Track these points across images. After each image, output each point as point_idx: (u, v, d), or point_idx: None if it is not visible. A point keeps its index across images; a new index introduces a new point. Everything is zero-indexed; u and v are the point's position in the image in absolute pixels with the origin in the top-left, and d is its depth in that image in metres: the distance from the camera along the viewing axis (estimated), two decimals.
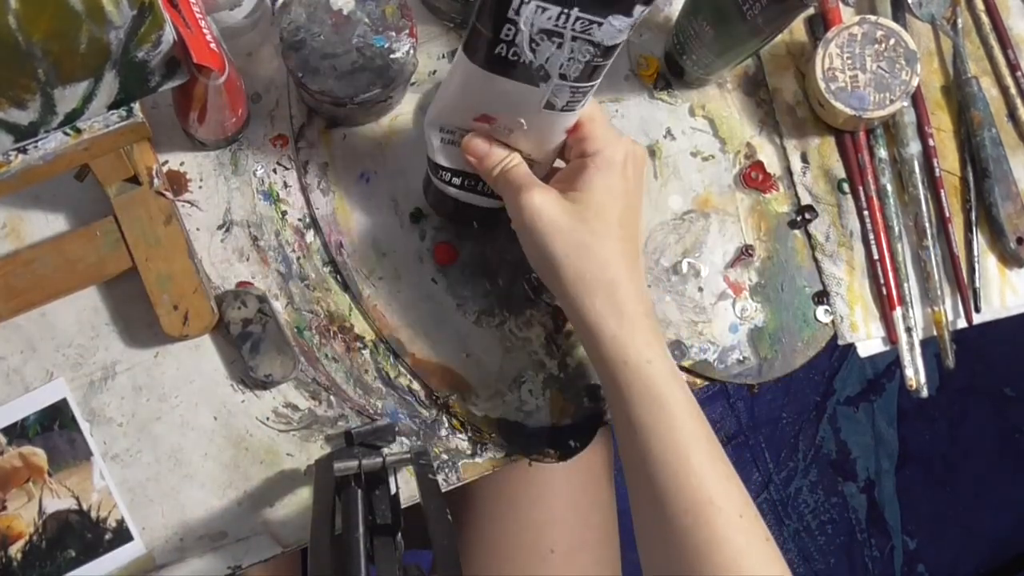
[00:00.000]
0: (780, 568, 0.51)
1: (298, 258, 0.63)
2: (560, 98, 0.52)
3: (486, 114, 0.54)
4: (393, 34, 0.59)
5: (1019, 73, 0.68)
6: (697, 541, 0.50)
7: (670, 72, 0.66)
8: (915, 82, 0.63)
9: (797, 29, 0.68)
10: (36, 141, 0.52)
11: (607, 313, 0.53)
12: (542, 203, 0.53)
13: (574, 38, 0.48)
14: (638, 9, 0.47)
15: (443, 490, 0.60)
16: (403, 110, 0.65)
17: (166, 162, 0.63)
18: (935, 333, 0.66)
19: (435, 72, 0.65)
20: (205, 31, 0.52)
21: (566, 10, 0.47)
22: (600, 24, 0.47)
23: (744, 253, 0.65)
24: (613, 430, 0.55)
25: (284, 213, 0.63)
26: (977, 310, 0.66)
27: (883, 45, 0.64)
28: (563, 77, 0.50)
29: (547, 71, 0.50)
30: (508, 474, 0.74)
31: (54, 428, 0.61)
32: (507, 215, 0.56)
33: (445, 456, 0.63)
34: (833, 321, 0.66)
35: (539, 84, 0.50)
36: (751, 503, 0.53)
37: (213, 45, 0.52)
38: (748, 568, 0.50)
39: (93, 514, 0.60)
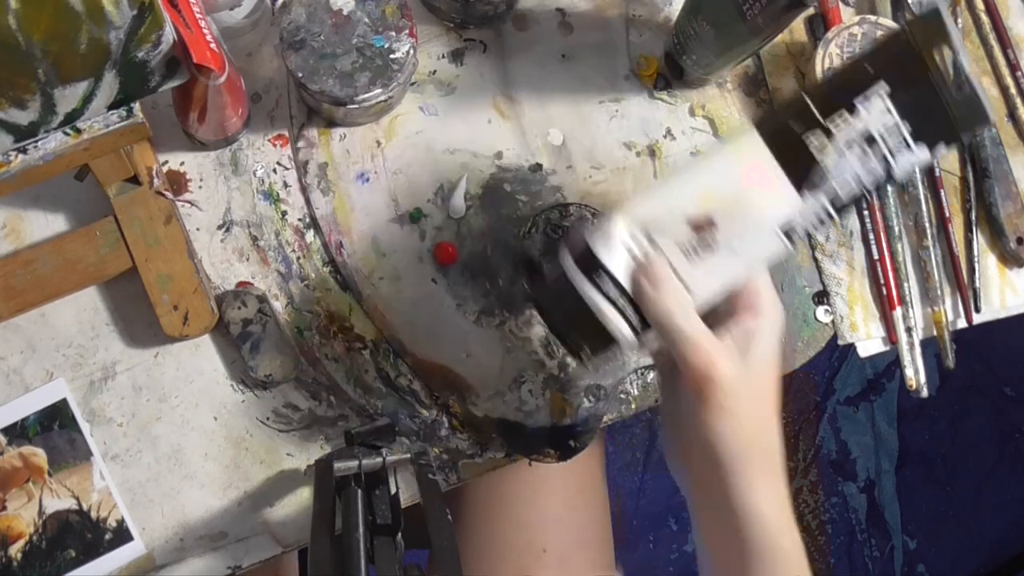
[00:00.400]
0: None
1: (298, 258, 0.63)
2: (803, 223, 0.46)
3: (711, 217, 0.46)
4: (393, 34, 0.59)
5: (1019, 73, 0.68)
6: None
7: (670, 72, 0.66)
8: None
9: (797, 29, 0.68)
10: (36, 141, 0.52)
11: (760, 484, 0.49)
12: (728, 379, 0.47)
13: (882, 157, 0.44)
14: (939, 150, 0.45)
15: (443, 490, 0.60)
16: (403, 110, 0.65)
17: (166, 162, 0.63)
18: (935, 333, 0.66)
19: (435, 72, 0.65)
20: (205, 31, 0.52)
21: (902, 121, 0.43)
22: (908, 150, 0.44)
23: None
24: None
25: (284, 213, 0.63)
26: (977, 310, 0.66)
27: None
28: (832, 199, 0.45)
29: (824, 182, 0.45)
30: (502, 474, 0.74)
31: (54, 428, 0.61)
32: (621, 347, 0.50)
33: (445, 456, 0.63)
34: (833, 321, 0.66)
35: (801, 192, 0.45)
36: None
37: (213, 45, 0.52)
38: None
39: (93, 514, 0.61)
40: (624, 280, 0.47)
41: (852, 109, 0.44)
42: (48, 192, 0.61)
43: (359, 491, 0.54)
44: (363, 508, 0.53)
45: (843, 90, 0.45)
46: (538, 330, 0.64)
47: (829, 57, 0.63)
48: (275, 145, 0.64)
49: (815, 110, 0.45)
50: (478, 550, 0.74)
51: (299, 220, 0.64)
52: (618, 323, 0.48)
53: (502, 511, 0.74)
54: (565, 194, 0.65)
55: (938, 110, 0.44)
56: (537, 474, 0.74)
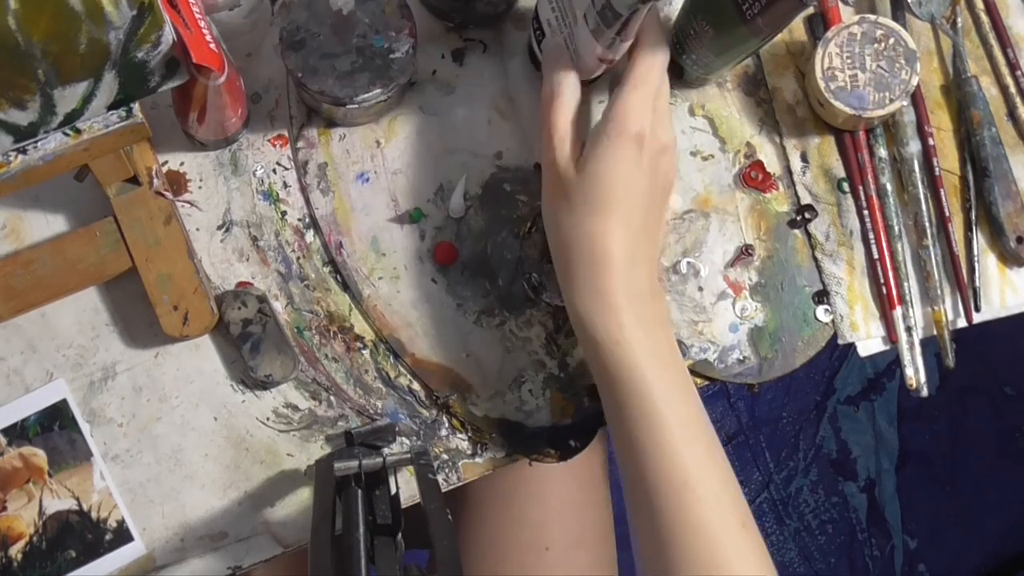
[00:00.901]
0: (755, 556, 0.51)
1: (298, 258, 0.63)
2: (590, 21, 0.52)
3: None
4: (393, 34, 0.59)
5: (1019, 72, 0.68)
6: (671, 523, 0.51)
7: (670, 72, 0.66)
8: (915, 81, 0.63)
9: (797, 29, 0.68)
10: (36, 142, 0.52)
11: (583, 285, 0.53)
12: (557, 161, 0.54)
13: None
14: None
15: (443, 490, 0.60)
16: (403, 110, 0.65)
17: (166, 162, 0.63)
18: (935, 332, 0.66)
19: (435, 72, 0.65)
20: (204, 31, 0.52)
21: None
22: None
23: (744, 253, 0.65)
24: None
25: (284, 213, 0.63)
26: (977, 309, 0.66)
27: (883, 44, 0.64)
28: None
29: None
30: (505, 473, 0.74)
31: (54, 429, 0.61)
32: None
33: (445, 456, 0.63)
34: (833, 320, 0.66)
35: None
36: (731, 486, 0.52)
37: (212, 45, 0.52)
38: (721, 555, 0.50)
39: (93, 515, 0.61)
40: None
41: None
42: (48, 192, 0.61)
43: (359, 491, 0.54)
44: (363, 508, 0.53)
45: None
46: (538, 330, 0.64)
47: (829, 56, 0.63)
48: (275, 145, 0.64)
49: None
50: (482, 547, 0.74)
51: (299, 220, 0.64)
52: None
53: (506, 508, 0.74)
54: None
55: None
56: (541, 472, 0.74)
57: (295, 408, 0.62)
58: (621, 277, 0.53)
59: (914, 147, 0.66)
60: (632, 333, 0.53)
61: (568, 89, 0.55)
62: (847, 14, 0.68)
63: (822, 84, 0.63)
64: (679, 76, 0.66)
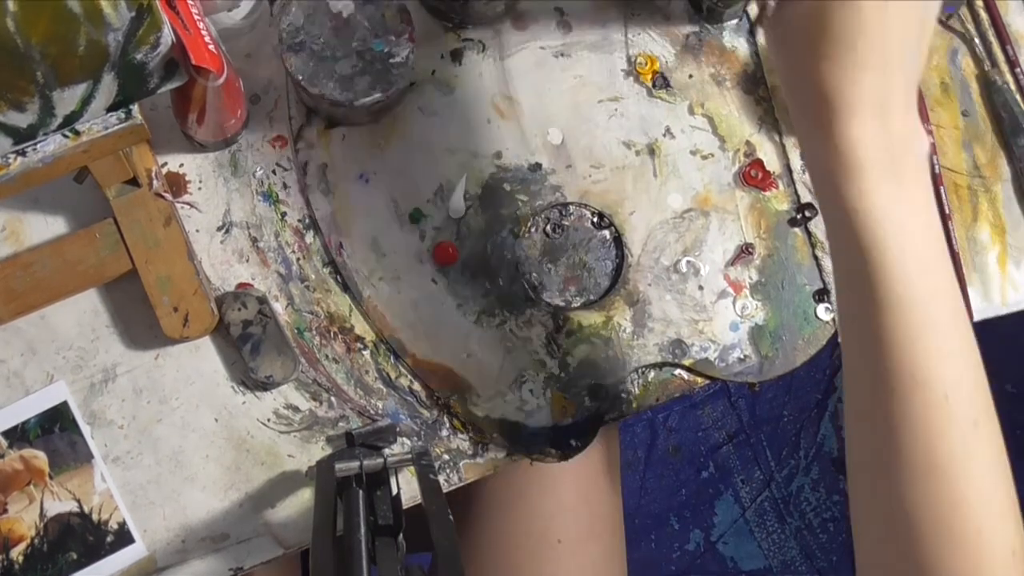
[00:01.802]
0: (989, 456, 0.45)
1: (298, 259, 0.63)
2: None
3: None
4: (393, 38, 0.59)
5: (1018, 70, 0.68)
6: (892, 414, 0.45)
7: (692, 7, 0.66)
8: None
9: None
10: (35, 144, 0.52)
11: (823, 144, 0.44)
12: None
13: None
14: None
15: (444, 490, 0.60)
16: (402, 110, 0.65)
17: (165, 164, 0.63)
18: None
19: (434, 72, 0.65)
20: (203, 33, 0.52)
21: None
22: None
23: (744, 251, 0.65)
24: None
25: (284, 214, 0.63)
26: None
27: None
28: None
29: None
30: (516, 466, 0.74)
31: (55, 431, 0.61)
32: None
33: (446, 456, 0.63)
34: (834, 319, 0.66)
35: None
36: (970, 382, 0.46)
37: (212, 47, 0.52)
38: (944, 454, 0.44)
39: (94, 516, 0.60)
40: None
41: None
42: (47, 194, 0.61)
43: (360, 492, 0.54)
44: (364, 509, 0.53)
45: None
46: (538, 330, 0.64)
47: None
48: (274, 146, 0.64)
49: None
50: (494, 539, 0.74)
51: (299, 221, 0.63)
52: None
53: (519, 500, 0.74)
54: (565, 193, 0.65)
55: None
56: (552, 464, 0.74)
57: (296, 409, 0.62)
58: (871, 126, 0.44)
59: None
60: (874, 200, 0.44)
61: None
62: None
63: None
64: (698, 10, 0.66)
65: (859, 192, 0.44)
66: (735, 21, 0.67)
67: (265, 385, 0.61)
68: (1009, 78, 0.68)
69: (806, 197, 0.66)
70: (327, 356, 0.63)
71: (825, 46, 0.43)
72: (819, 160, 0.45)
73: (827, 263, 0.66)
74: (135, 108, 0.54)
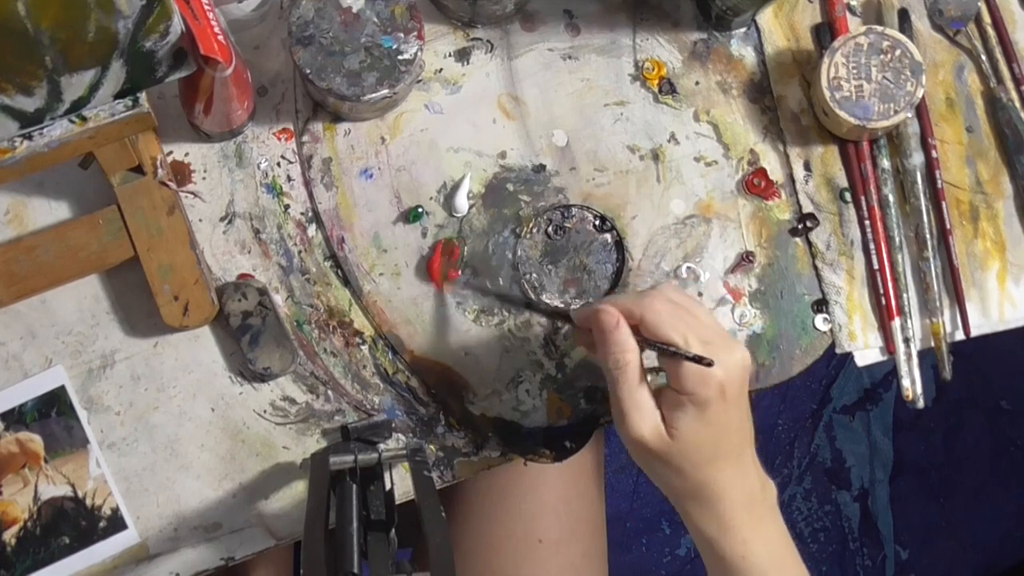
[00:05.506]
0: None
1: (299, 252, 0.63)
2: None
3: None
4: (401, 35, 0.59)
5: None
6: None
7: (700, 13, 0.67)
8: (920, 93, 0.63)
9: (804, 38, 0.68)
10: (41, 128, 0.52)
11: (705, 520, 0.54)
12: (644, 437, 0.52)
13: None
14: None
15: (438, 487, 0.60)
16: (408, 107, 0.65)
17: (170, 152, 0.63)
18: (933, 344, 0.66)
19: (441, 70, 0.65)
20: (213, 23, 0.52)
21: None
22: None
23: (744, 259, 0.65)
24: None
25: (287, 207, 0.64)
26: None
27: (889, 56, 0.64)
28: None
29: None
30: (500, 466, 0.74)
31: (51, 415, 0.61)
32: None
33: (441, 453, 0.63)
34: (831, 329, 0.66)
35: None
36: None
37: (221, 37, 0.52)
38: None
39: (88, 502, 0.61)
40: None
41: None
42: (52, 179, 0.62)
43: (354, 486, 0.54)
44: (357, 503, 0.53)
45: None
46: (537, 331, 0.64)
47: (835, 66, 0.64)
48: (280, 139, 0.64)
49: None
50: (475, 539, 0.74)
51: (301, 214, 0.64)
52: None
53: (501, 501, 0.74)
54: (568, 196, 0.65)
55: None
56: (536, 467, 0.74)
57: (292, 401, 0.62)
58: (737, 498, 0.54)
59: (917, 159, 0.67)
60: (753, 546, 0.54)
61: (632, 355, 0.52)
62: (854, 24, 0.68)
63: (827, 93, 0.63)
64: (707, 18, 0.66)
65: (741, 542, 0.54)
66: (743, 30, 0.67)
67: (263, 376, 0.62)
68: (1015, 95, 0.68)
69: (808, 207, 0.67)
70: (325, 350, 0.63)
71: (706, 461, 0.53)
72: (709, 531, 0.55)
73: (827, 274, 0.66)
74: (142, 96, 0.54)
